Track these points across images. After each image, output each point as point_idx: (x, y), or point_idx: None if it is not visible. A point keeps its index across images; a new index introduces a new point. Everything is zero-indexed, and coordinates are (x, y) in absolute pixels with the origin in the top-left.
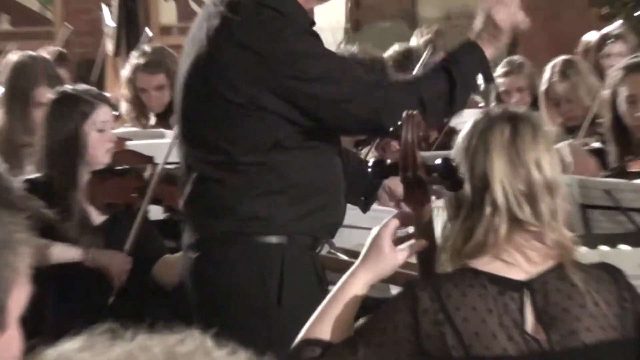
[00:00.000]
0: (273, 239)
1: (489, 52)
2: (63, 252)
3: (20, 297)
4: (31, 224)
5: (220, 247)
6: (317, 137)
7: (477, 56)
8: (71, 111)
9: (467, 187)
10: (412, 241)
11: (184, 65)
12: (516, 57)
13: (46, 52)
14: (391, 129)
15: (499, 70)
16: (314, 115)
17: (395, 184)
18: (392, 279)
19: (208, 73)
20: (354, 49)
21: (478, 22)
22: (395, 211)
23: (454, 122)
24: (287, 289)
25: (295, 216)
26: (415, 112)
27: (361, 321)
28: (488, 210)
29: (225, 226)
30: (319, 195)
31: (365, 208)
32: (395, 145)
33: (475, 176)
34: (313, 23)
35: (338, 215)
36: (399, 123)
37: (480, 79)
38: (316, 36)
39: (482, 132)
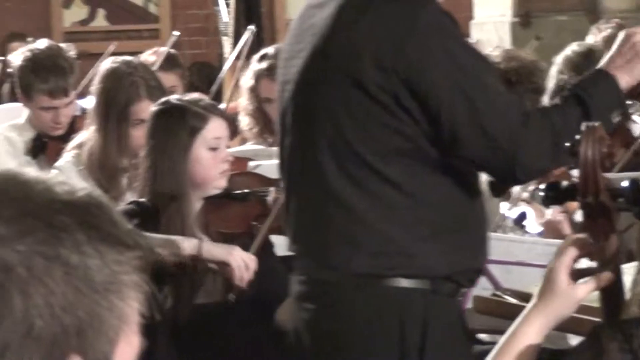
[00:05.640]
0: (414, 284)
1: (623, 81)
2: (173, 244)
3: (127, 351)
4: (142, 265)
5: (347, 295)
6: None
7: (613, 88)
8: (177, 126)
9: None
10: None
11: (296, 61)
12: None
13: (152, 55)
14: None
15: None
16: (437, 116)
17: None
18: (572, 326)
19: (336, 62)
20: (495, 53)
21: (613, 47)
22: None
23: None
24: (430, 348)
25: (436, 254)
26: (597, 124)
27: None
28: None
29: (355, 265)
30: (462, 231)
31: None
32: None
33: None
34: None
35: (481, 259)
36: (577, 137)
37: (615, 116)
38: (457, 24)
39: None
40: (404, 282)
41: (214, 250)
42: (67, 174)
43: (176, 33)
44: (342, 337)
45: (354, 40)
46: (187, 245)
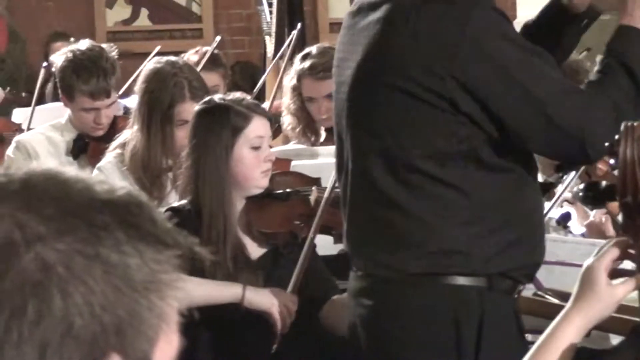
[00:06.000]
0: (470, 282)
1: None
2: (212, 291)
3: (167, 350)
4: (181, 264)
5: (404, 292)
6: (516, 159)
7: None
8: (220, 125)
9: None
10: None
11: (350, 62)
12: None
13: (195, 54)
14: (600, 148)
15: None
16: (500, 116)
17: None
18: (613, 326)
19: (388, 66)
20: None
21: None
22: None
23: None
24: (486, 346)
25: (493, 251)
26: (636, 123)
27: None
28: None
29: (411, 264)
30: (518, 226)
31: None
32: (602, 168)
33: None
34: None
35: (538, 254)
36: (616, 137)
37: None
38: (509, 20)
39: None
40: (461, 280)
41: (256, 300)
42: (109, 174)
43: (218, 38)
44: (399, 333)
45: (404, 44)
46: (229, 293)
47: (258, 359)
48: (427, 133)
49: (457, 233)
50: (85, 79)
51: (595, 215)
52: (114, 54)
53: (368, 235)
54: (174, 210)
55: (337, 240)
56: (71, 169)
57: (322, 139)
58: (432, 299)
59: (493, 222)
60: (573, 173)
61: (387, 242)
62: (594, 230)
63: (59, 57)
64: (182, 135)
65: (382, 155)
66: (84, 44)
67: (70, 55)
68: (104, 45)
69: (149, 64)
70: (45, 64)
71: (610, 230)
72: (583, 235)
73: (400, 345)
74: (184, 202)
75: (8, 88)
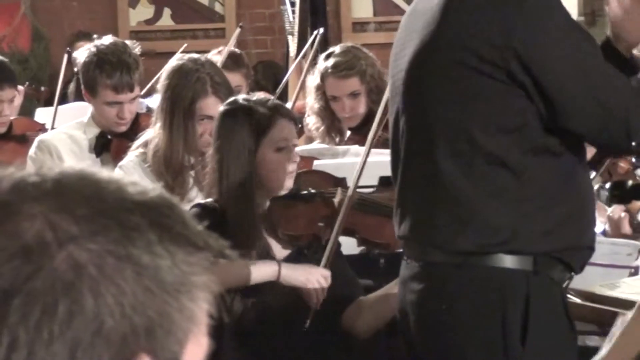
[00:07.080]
0: (516, 263)
1: None
2: (251, 271)
3: (196, 352)
4: (211, 266)
5: (451, 274)
6: (568, 139)
7: None
8: (243, 127)
9: None
10: None
11: (408, 50)
12: None
13: (218, 54)
14: (633, 144)
15: None
16: (550, 90)
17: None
18: None
19: (446, 41)
20: None
21: None
22: (637, 244)
23: None
24: (533, 330)
25: (540, 229)
26: None
27: None
28: None
29: (459, 243)
30: (567, 207)
31: None
32: (623, 166)
33: None
34: None
35: (588, 237)
36: None
37: None
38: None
39: None
40: (508, 261)
41: (292, 276)
42: (131, 173)
43: (240, 24)
44: (446, 315)
45: (463, 18)
46: (267, 271)
47: (290, 338)
48: (484, 106)
49: (504, 211)
50: (109, 72)
51: (615, 210)
52: (137, 50)
53: (421, 215)
54: (203, 207)
55: (361, 243)
56: (104, 170)
57: (346, 138)
58: (479, 280)
59: (541, 201)
60: (593, 173)
61: (439, 220)
62: (612, 225)
63: (82, 53)
64: (205, 131)
65: (438, 130)
66: (107, 39)
67: (93, 50)
68: (127, 42)
69: (171, 61)
70: (66, 55)
71: (627, 228)
72: (604, 232)
73: (447, 327)
74: (210, 199)
75: (27, 83)
